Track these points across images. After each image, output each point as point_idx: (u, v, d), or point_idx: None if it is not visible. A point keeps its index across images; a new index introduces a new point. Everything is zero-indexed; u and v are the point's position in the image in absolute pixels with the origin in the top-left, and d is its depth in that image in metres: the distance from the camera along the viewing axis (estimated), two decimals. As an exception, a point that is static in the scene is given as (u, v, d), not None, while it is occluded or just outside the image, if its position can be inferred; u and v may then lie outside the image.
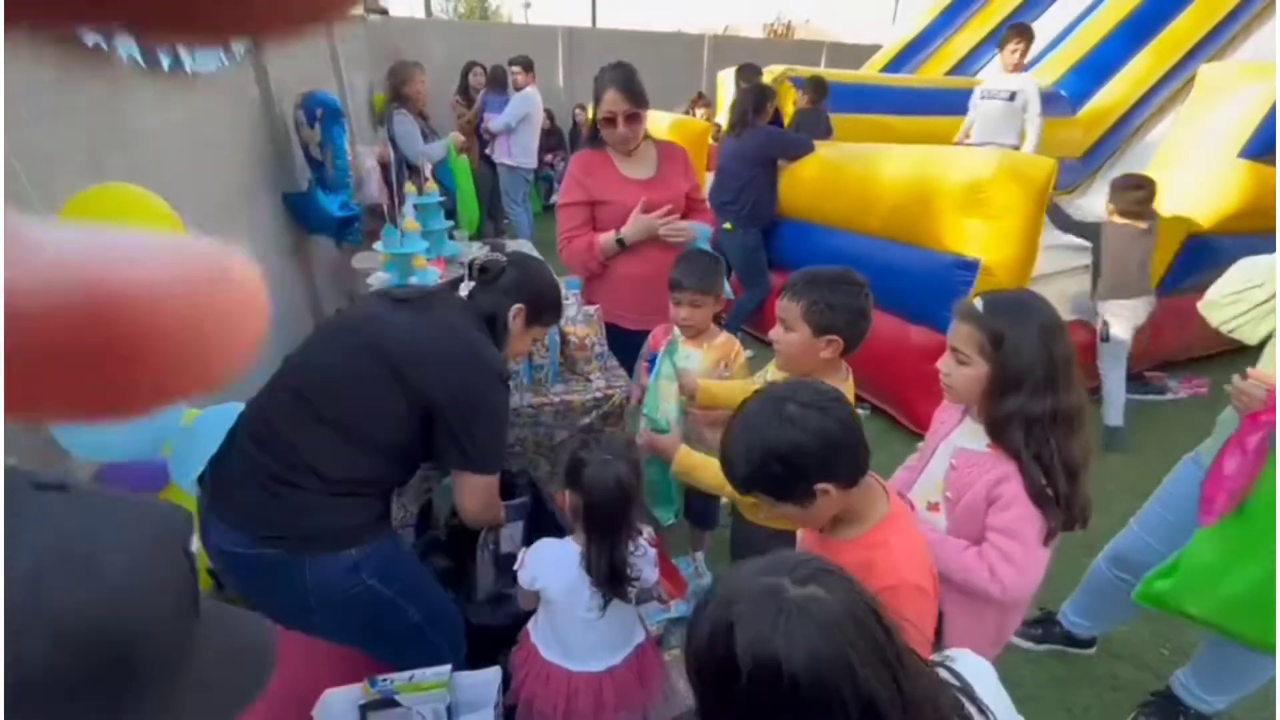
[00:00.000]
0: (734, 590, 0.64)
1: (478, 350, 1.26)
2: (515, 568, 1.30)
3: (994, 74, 4.21)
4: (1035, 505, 1.10)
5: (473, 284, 1.41)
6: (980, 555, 1.14)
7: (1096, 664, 1.93)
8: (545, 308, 1.48)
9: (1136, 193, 2.95)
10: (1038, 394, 1.09)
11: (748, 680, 0.58)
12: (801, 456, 0.92)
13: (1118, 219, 2.99)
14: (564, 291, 1.71)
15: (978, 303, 1.17)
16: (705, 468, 1.43)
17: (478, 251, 1.38)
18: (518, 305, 1.39)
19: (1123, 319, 3.05)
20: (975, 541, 1.16)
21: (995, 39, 6.43)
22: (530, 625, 1.40)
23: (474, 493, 1.30)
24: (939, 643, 1.20)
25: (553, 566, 1.27)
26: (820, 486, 0.92)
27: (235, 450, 1.20)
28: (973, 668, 0.73)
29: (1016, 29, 4.04)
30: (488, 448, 1.28)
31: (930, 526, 1.24)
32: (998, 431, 1.14)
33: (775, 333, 1.38)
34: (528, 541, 1.68)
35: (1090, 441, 1.15)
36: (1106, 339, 3.07)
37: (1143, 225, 2.97)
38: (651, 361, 1.71)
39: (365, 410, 1.19)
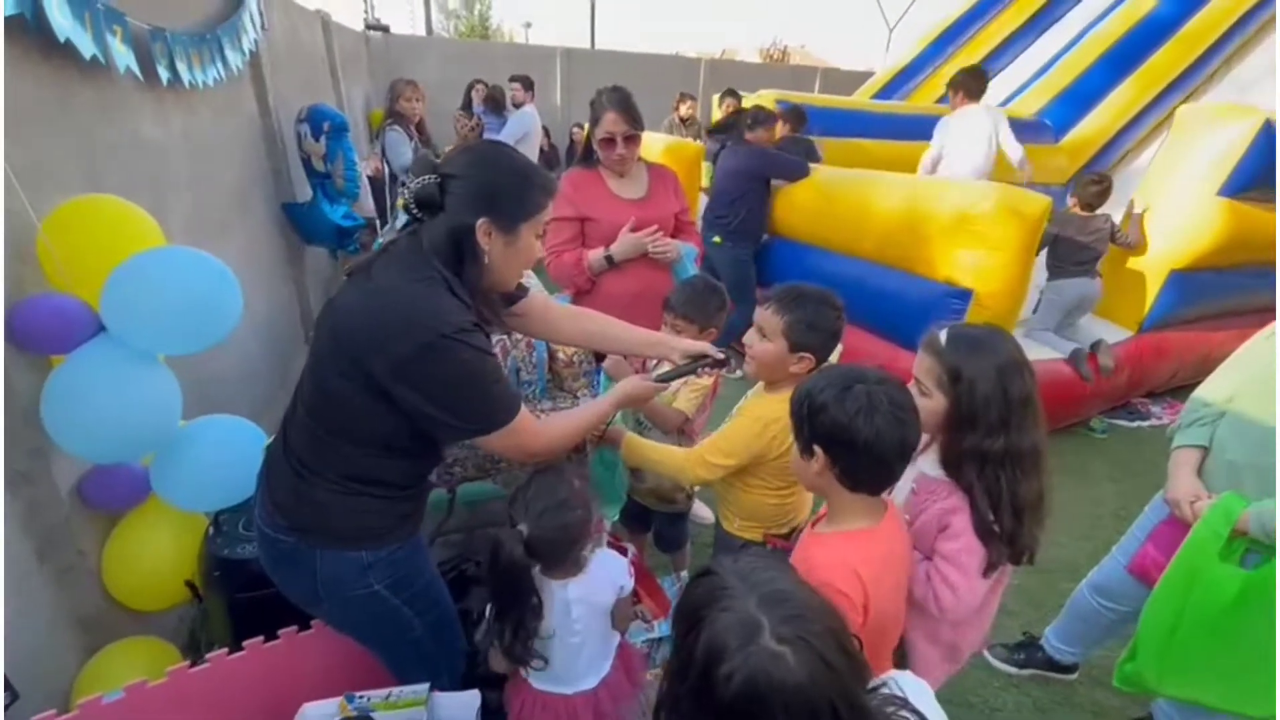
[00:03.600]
0: (721, 597, 0.67)
1: (407, 315, 1.02)
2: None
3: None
4: (979, 539, 1.12)
5: (414, 223, 1.12)
6: (926, 574, 1.18)
7: (1078, 690, 1.93)
8: (516, 199, 1.12)
9: (1094, 186, 3.41)
10: (992, 433, 1.10)
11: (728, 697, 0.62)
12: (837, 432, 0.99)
13: (1075, 209, 3.45)
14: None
15: (942, 335, 1.18)
16: (653, 448, 1.49)
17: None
18: (480, 220, 1.08)
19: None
20: (925, 558, 1.22)
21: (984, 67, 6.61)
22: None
23: (500, 445, 1.14)
24: (901, 663, 1.27)
25: None
26: (817, 449, 1.01)
27: (285, 430, 1.20)
28: (912, 686, 0.76)
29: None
30: (471, 410, 1.08)
31: None
32: (952, 465, 1.16)
33: (751, 337, 1.39)
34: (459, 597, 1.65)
35: (1046, 483, 1.16)
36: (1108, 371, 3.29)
37: (1091, 214, 3.42)
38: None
39: (335, 404, 1.09)
